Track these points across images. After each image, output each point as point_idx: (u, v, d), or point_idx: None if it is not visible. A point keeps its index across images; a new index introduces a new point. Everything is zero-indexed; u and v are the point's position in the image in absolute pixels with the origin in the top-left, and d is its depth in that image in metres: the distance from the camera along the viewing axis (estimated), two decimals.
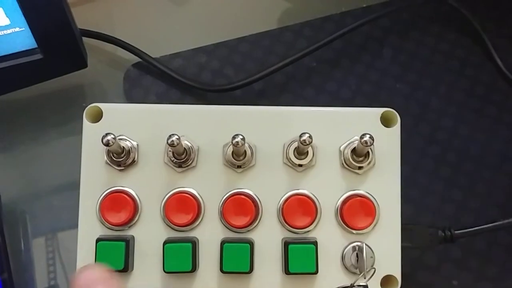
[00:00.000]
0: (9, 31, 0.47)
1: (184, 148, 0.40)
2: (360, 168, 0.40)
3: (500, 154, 0.54)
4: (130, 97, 0.56)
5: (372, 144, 0.37)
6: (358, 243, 0.40)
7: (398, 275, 0.40)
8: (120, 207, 0.39)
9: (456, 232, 0.43)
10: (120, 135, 0.40)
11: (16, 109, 0.56)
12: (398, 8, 0.58)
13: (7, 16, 0.46)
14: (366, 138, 0.37)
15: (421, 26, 0.60)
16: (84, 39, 0.53)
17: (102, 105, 0.41)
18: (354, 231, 0.40)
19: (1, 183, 0.51)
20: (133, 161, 0.40)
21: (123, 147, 0.40)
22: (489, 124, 0.56)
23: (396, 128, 0.41)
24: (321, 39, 0.56)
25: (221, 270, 0.38)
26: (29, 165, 0.55)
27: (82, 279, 0.32)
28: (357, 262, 0.39)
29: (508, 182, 0.53)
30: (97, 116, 0.41)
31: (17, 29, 0.47)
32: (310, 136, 0.37)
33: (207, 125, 0.41)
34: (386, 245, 0.40)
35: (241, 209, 0.39)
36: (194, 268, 0.39)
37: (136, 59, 0.57)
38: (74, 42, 0.49)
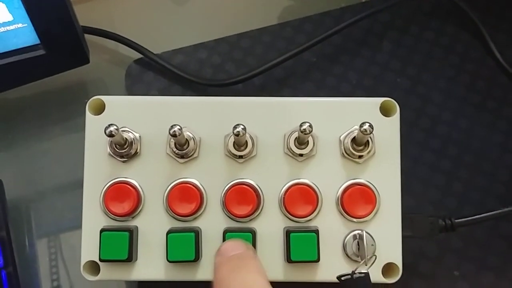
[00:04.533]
0: (12, 27, 0.47)
1: (186, 139, 0.40)
2: (360, 157, 0.40)
3: (500, 147, 0.55)
4: (132, 93, 0.56)
5: (371, 132, 0.37)
6: (359, 231, 0.40)
7: (399, 262, 0.40)
8: (123, 198, 0.40)
9: (456, 220, 0.43)
10: (122, 127, 0.41)
11: (18, 105, 0.57)
12: (398, 2, 0.59)
13: (10, 13, 0.46)
14: (366, 126, 0.37)
15: (421, 20, 0.60)
16: (86, 36, 0.53)
17: (104, 98, 0.41)
18: (355, 220, 0.40)
19: (5, 179, 0.51)
20: (136, 153, 0.41)
21: (126, 138, 0.40)
22: (489, 118, 0.56)
23: (396, 118, 0.41)
24: (321, 34, 0.56)
25: None
26: (33, 161, 0.55)
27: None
28: (358, 250, 0.40)
29: (508, 175, 0.54)
30: (100, 109, 0.41)
31: (19, 25, 0.47)
32: (310, 126, 0.37)
33: (209, 116, 0.41)
34: (387, 233, 0.40)
35: (243, 199, 0.40)
36: (197, 257, 0.39)
37: (137, 55, 0.57)
38: (76, 38, 0.50)
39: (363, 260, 0.39)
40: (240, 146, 0.40)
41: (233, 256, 0.35)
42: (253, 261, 0.35)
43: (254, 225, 0.40)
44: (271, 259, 0.40)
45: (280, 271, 0.40)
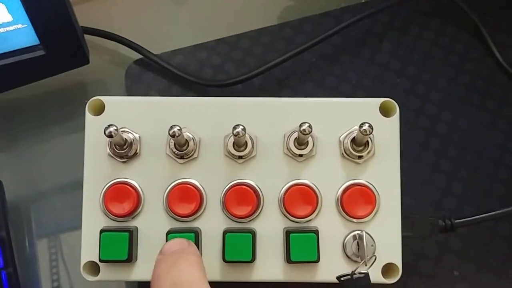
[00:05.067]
0: (11, 28, 0.47)
1: (186, 140, 0.40)
2: (360, 157, 0.40)
3: (500, 147, 0.55)
4: (132, 94, 0.56)
5: (371, 132, 0.37)
6: (359, 232, 0.40)
7: (399, 263, 0.40)
8: (123, 198, 0.40)
9: (456, 221, 0.43)
10: (122, 127, 0.41)
11: (18, 106, 0.57)
12: (398, 3, 0.59)
13: (9, 13, 0.46)
14: (365, 127, 0.37)
15: (421, 20, 0.60)
16: (86, 36, 0.53)
17: (104, 98, 0.41)
18: (354, 220, 0.40)
19: (5, 180, 0.51)
20: (136, 153, 0.41)
21: (126, 139, 0.40)
22: (489, 118, 0.56)
23: (395, 118, 0.41)
24: (320, 35, 0.56)
25: (224, 259, 0.39)
26: (32, 162, 0.55)
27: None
28: (358, 251, 0.40)
29: (508, 175, 0.54)
30: (99, 109, 0.41)
31: (19, 25, 0.47)
32: (310, 126, 0.37)
33: (208, 116, 0.41)
34: (386, 233, 0.40)
35: (242, 199, 0.40)
36: None
37: (137, 55, 0.57)
38: (76, 38, 0.50)
39: (363, 261, 0.39)
40: (239, 147, 0.40)
41: (173, 252, 0.35)
42: (191, 256, 0.35)
43: (254, 225, 0.41)
44: (271, 259, 0.40)
45: (280, 272, 0.40)
